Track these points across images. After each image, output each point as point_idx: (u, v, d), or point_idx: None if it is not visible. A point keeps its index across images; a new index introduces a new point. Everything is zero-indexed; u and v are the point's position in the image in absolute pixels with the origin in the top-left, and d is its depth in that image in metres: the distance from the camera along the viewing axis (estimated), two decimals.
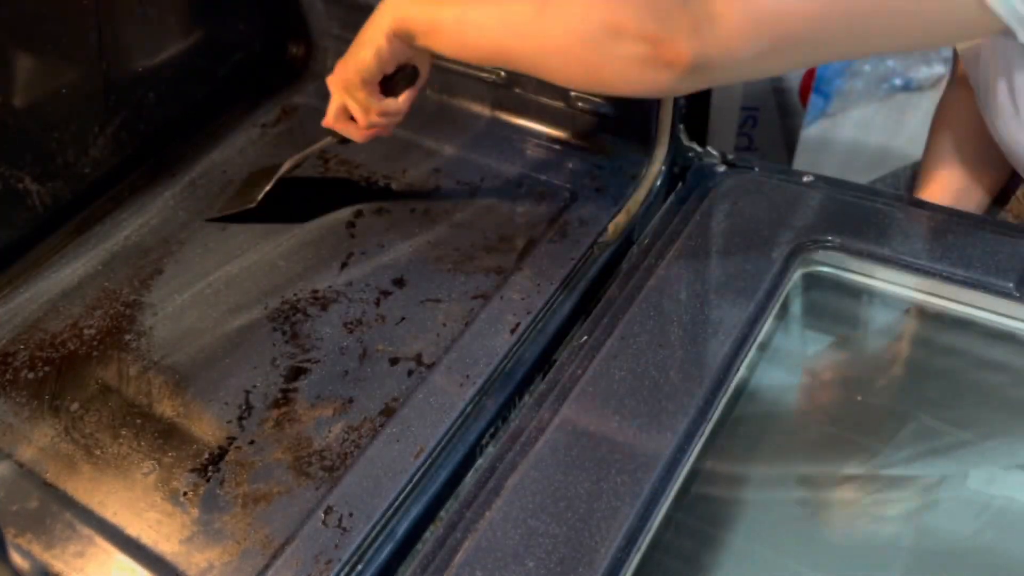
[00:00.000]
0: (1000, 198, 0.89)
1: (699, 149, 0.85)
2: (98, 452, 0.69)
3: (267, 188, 0.85)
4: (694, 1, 0.55)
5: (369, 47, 0.70)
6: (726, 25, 0.55)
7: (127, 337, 0.78)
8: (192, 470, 0.67)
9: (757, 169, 0.83)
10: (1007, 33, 0.57)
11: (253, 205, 0.85)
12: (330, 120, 0.78)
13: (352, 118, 0.77)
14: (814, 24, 0.56)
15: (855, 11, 0.56)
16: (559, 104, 0.91)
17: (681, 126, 0.84)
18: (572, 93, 0.88)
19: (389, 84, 0.74)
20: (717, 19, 0.55)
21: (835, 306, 0.79)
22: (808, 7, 0.55)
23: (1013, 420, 0.72)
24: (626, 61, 0.58)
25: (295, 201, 0.90)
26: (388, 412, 0.68)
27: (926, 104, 1.50)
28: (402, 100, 0.76)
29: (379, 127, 0.77)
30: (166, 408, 0.71)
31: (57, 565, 0.61)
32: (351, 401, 0.70)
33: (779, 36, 0.56)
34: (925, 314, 0.77)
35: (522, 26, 0.61)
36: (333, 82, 0.75)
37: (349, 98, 0.75)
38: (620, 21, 0.56)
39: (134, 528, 0.63)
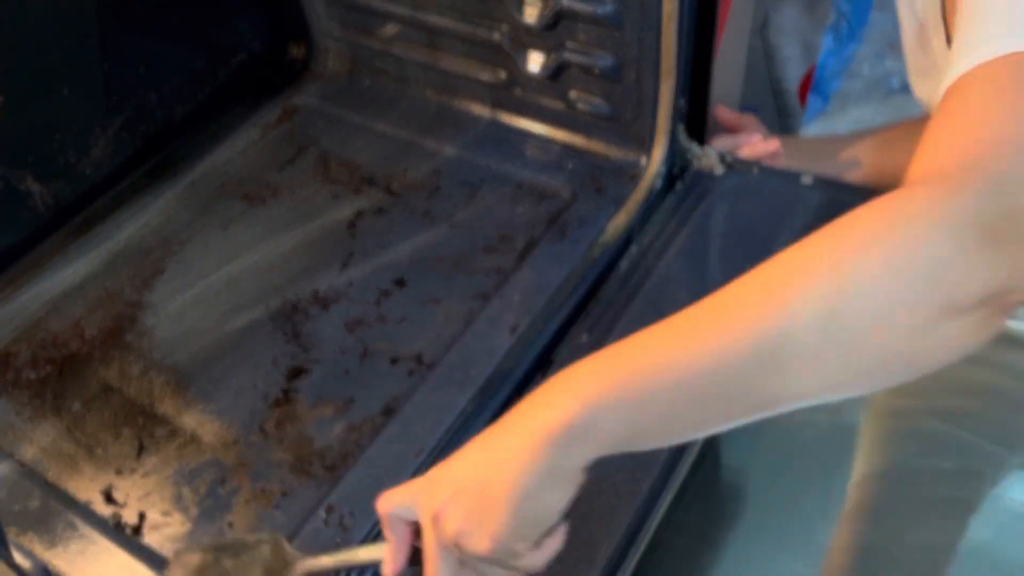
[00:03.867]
0: None
1: (698, 149, 0.85)
2: (99, 451, 0.69)
3: None
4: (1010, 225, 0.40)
5: (525, 487, 0.43)
6: None
7: (128, 337, 0.78)
8: (193, 469, 0.67)
9: (756, 170, 0.83)
10: None
11: None
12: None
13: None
14: None
15: None
16: (559, 104, 0.91)
17: (680, 126, 0.84)
18: (572, 93, 0.89)
19: None
20: None
21: None
22: None
23: (1012, 419, 0.72)
24: (961, 332, 0.41)
25: (296, 201, 0.90)
26: (388, 412, 0.69)
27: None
28: (549, 552, 0.48)
29: None
30: (167, 408, 0.72)
31: (59, 564, 0.62)
32: (352, 401, 0.70)
33: None
34: None
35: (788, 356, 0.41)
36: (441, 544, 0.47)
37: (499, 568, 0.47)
38: (952, 293, 0.40)
39: (135, 527, 0.63)
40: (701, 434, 0.46)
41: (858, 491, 0.70)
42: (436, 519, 0.46)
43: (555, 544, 0.48)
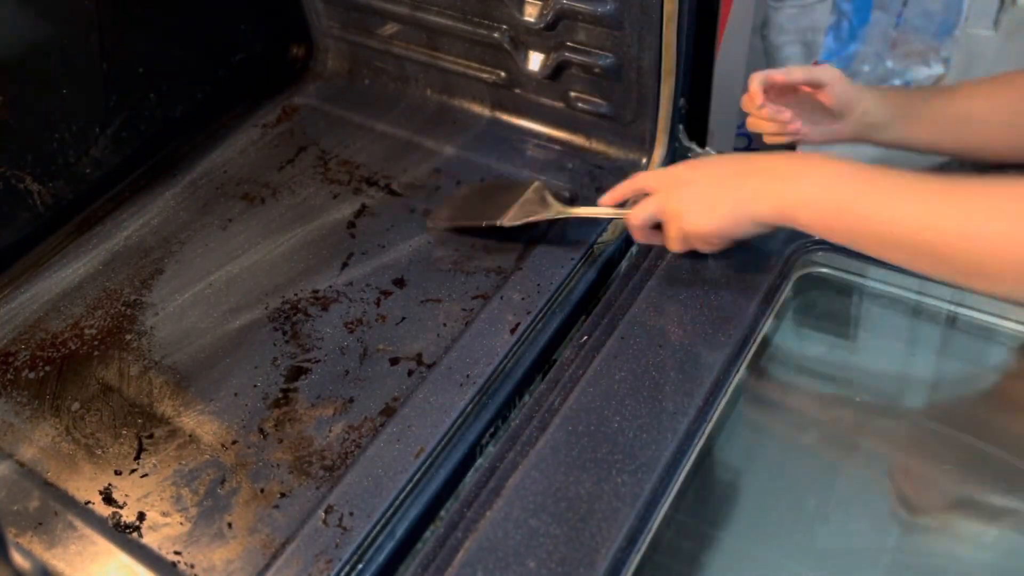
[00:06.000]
0: None
1: (698, 150, 0.85)
2: (99, 452, 0.69)
3: (521, 222, 0.77)
4: None
5: (740, 222, 0.64)
6: None
7: (128, 337, 0.78)
8: (193, 470, 0.67)
9: None
10: None
11: (504, 224, 0.78)
12: (638, 227, 0.71)
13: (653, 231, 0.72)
14: None
15: None
16: (559, 104, 0.91)
17: (680, 126, 0.84)
18: (572, 93, 0.89)
19: None
20: None
21: (835, 307, 0.79)
22: None
23: (1013, 418, 0.72)
24: None
25: (295, 201, 0.90)
26: (388, 412, 0.69)
27: None
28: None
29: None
30: (167, 408, 0.71)
31: (58, 565, 0.61)
32: (351, 401, 0.70)
33: None
34: (924, 315, 0.77)
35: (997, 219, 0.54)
36: (667, 208, 0.68)
37: (681, 239, 0.69)
38: None
39: (135, 528, 0.63)
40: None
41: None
42: (670, 198, 0.68)
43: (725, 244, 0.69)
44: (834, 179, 0.60)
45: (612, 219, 0.81)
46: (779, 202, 0.62)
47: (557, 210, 0.77)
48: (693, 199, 0.66)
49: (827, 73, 0.71)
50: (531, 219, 0.76)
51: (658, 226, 0.71)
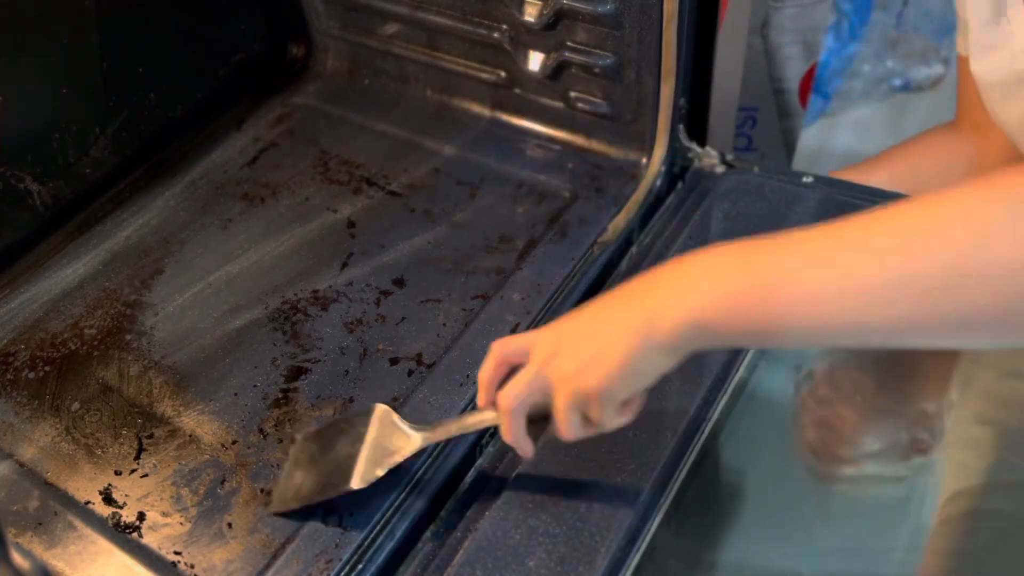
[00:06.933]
0: None
1: (698, 149, 0.85)
2: (99, 452, 0.69)
3: (380, 474, 0.60)
4: None
5: (622, 360, 0.48)
6: None
7: (128, 337, 0.78)
8: (192, 470, 0.67)
9: (757, 170, 0.83)
10: None
11: (356, 488, 0.61)
12: (508, 408, 0.53)
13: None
14: None
15: None
16: (559, 104, 0.91)
17: (680, 126, 0.84)
18: (572, 93, 0.89)
19: None
20: None
21: None
22: None
23: (1013, 418, 0.72)
24: None
25: (295, 201, 0.90)
26: None
27: (925, 104, 1.50)
28: (633, 415, 0.54)
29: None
30: (167, 408, 0.71)
31: (58, 565, 0.61)
32: (351, 401, 0.70)
33: None
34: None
35: (947, 278, 0.40)
36: (544, 378, 0.52)
37: (570, 405, 0.52)
38: None
39: (135, 528, 0.63)
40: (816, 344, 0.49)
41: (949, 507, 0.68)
42: (552, 357, 0.51)
43: (635, 408, 0.54)
44: (738, 258, 0.47)
45: (612, 219, 0.81)
46: (682, 311, 0.47)
47: (417, 441, 0.60)
48: (575, 348, 0.51)
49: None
50: (391, 466, 0.60)
51: (544, 418, 0.54)
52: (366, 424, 0.63)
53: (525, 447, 0.56)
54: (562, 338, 0.52)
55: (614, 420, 0.53)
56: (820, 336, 0.46)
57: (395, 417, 0.62)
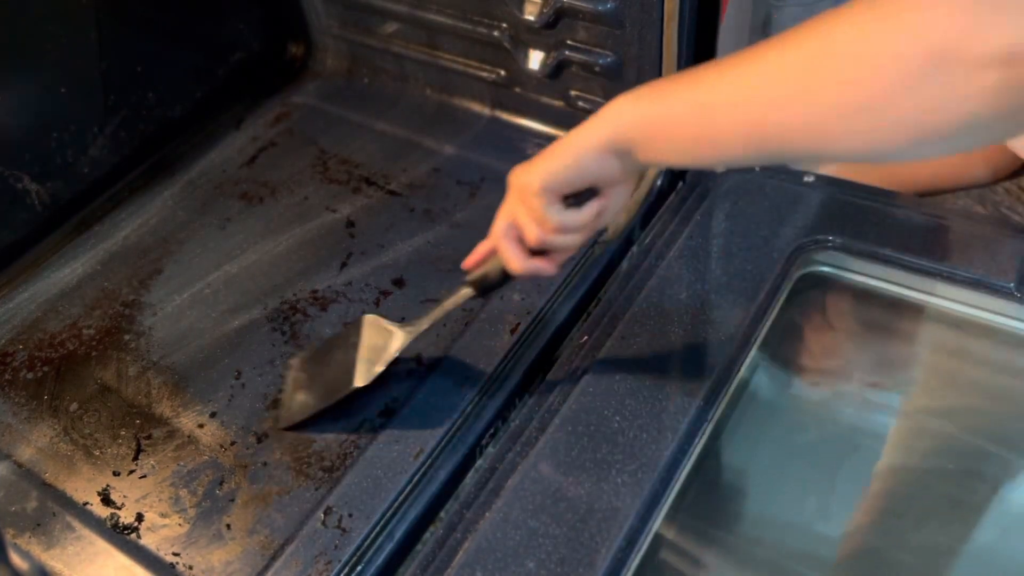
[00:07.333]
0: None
1: None
2: (97, 452, 0.68)
3: (379, 370, 0.66)
4: None
5: (566, 156, 0.57)
6: None
7: (126, 337, 0.78)
8: (191, 471, 0.66)
9: (758, 169, 0.83)
10: None
11: (360, 385, 0.66)
12: (497, 236, 0.63)
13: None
14: None
15: None
16: (559, 103, 0.90)
17: None
18: (572, 92, 0.88)
19: (571, 199, 0.59)
20: None
21: (835, 306, 0.79)
22: None
23: (1016, 422, 0.72)
24: (967, 94, 0.40)
25: (294, 201, 0.90)
26: (388, 412, 0.68)
27: None
28: (586, 213, 0.60)
29: (551, 249, 0.62)
30: (165, 408, 0.71)
31: (56, 566, 0.61)
32: (351, 401, 0.70)
33: None
34: (925, 314, 0.76)
35: (796, 85, 0.46)
36: (509, 197, 0.62)
37: (521, 208, 0.61)
38: (953, 42, 0.39)
39: (133, 529, 0.63)
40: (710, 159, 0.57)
41: (876, 483, 0.70)
42: (516, 176, 0.60)
43: (592, 210, 0.60)
44: (656, 88, 0.55)
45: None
46: (613, 123, 0.56)
47: (405, 335, 0.67)
48: (531, 163, 0.59)
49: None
50: (388, 361, 0.66)
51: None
52: (357, 333, 0.68)
53: (539, 265, 0.62)
54: (525, 168, 0.60)
55: (562, 216, 0.59)
56: (714, 150, 0.53)
57: (383, 321, 0.68)
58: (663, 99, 0.54)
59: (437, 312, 0.66)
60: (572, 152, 0.57)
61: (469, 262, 0.66)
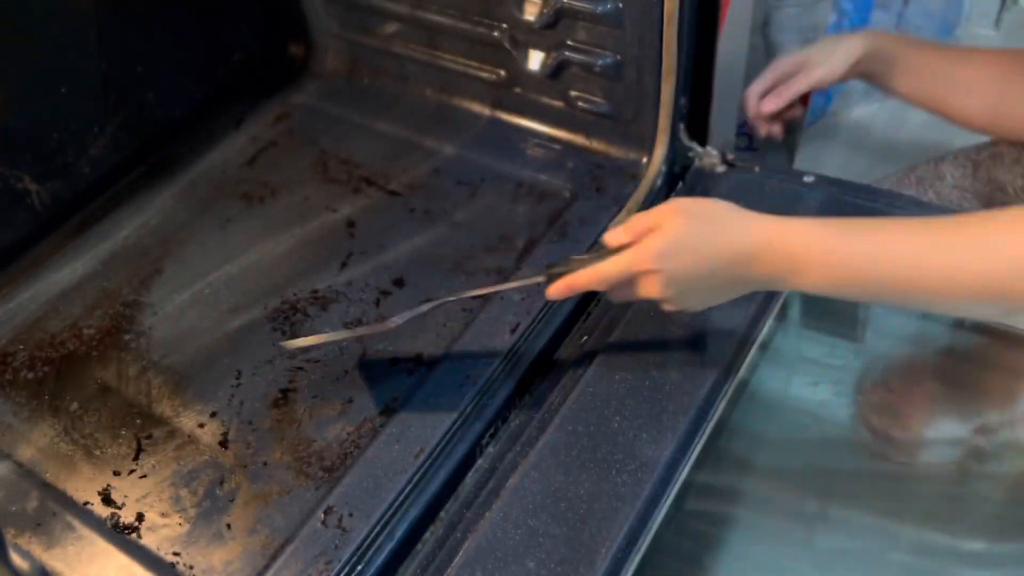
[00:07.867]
0: None
1: (699, 149, 0.85)
2: (97, 452, 0.69)
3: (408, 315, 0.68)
4: None
5: (725, 297, 0.62)
6: None
7: (126, 337, 0.78)
8: (191, 470, 0.66)
9: (758, 169, 0.83)
10: None
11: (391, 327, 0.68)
12: (611, 279, 0.61)
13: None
14: None
15: None
16: (559, 104, 0.90)
17: (681, 125, 0.84)
18: (572, 92, 0.88)
19: None
20: None
21: (835, 306, 0.79)
22: None
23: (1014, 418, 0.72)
24: None
25: (294, 201, 0.90)
26: (388, 412, 0.68)
27: None
28: None
29: None
30: (165, 408, 0.71)
31: (56, 565, 0.61)
32: (351, 401, 0.70)
33: None
34: (925, 314, 0.77)
35: (957, 257, 0.55)
36: (649, 275, 0.60)
37: (645, 291, 0.61)
38: None
39: (133, 528, 0.63)
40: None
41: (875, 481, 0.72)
42: (655, 289, 0.60)
43: None
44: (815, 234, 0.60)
45: (612, 219, 0.80)
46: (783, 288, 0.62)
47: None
48: (687, 289, 0.61)
49: (812, 77, 0.77)
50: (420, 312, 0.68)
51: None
52: None
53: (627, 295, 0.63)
54: (674, 284, 0.60)
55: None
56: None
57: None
58: (844, 243, 0.58)
59: (502, 286, 0.70)
60: (733, 294, 0.61)
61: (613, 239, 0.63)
